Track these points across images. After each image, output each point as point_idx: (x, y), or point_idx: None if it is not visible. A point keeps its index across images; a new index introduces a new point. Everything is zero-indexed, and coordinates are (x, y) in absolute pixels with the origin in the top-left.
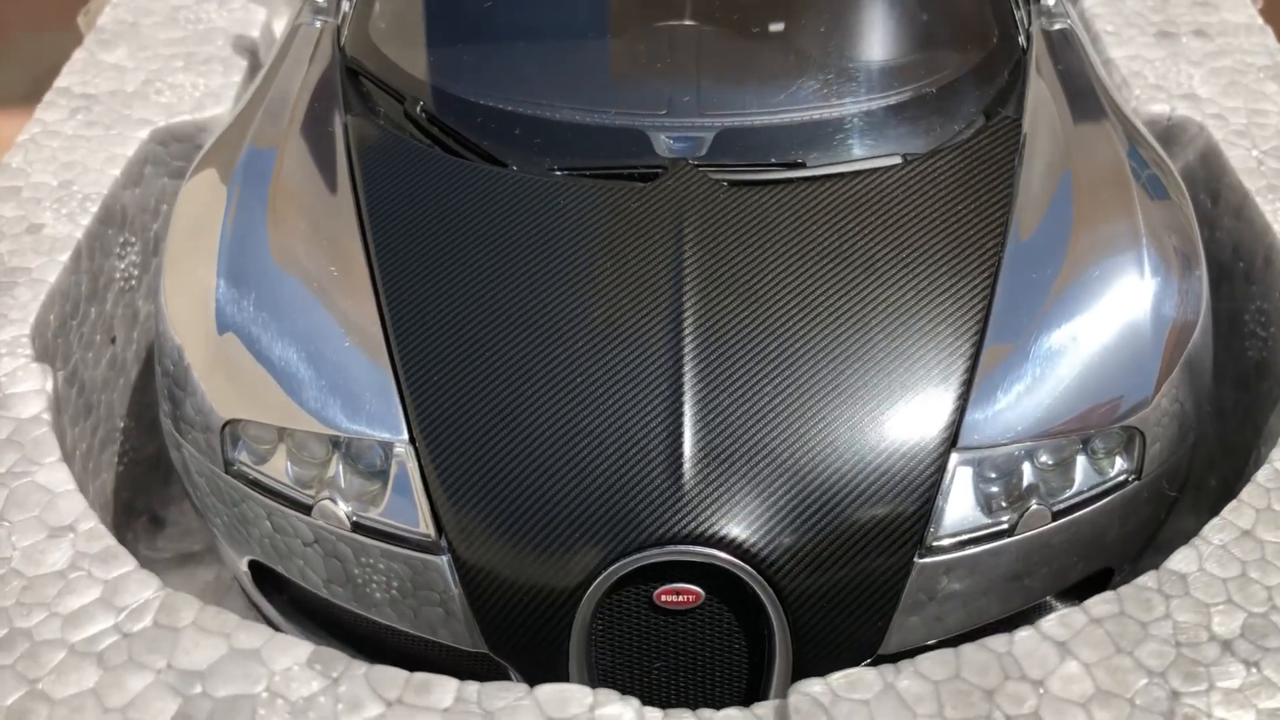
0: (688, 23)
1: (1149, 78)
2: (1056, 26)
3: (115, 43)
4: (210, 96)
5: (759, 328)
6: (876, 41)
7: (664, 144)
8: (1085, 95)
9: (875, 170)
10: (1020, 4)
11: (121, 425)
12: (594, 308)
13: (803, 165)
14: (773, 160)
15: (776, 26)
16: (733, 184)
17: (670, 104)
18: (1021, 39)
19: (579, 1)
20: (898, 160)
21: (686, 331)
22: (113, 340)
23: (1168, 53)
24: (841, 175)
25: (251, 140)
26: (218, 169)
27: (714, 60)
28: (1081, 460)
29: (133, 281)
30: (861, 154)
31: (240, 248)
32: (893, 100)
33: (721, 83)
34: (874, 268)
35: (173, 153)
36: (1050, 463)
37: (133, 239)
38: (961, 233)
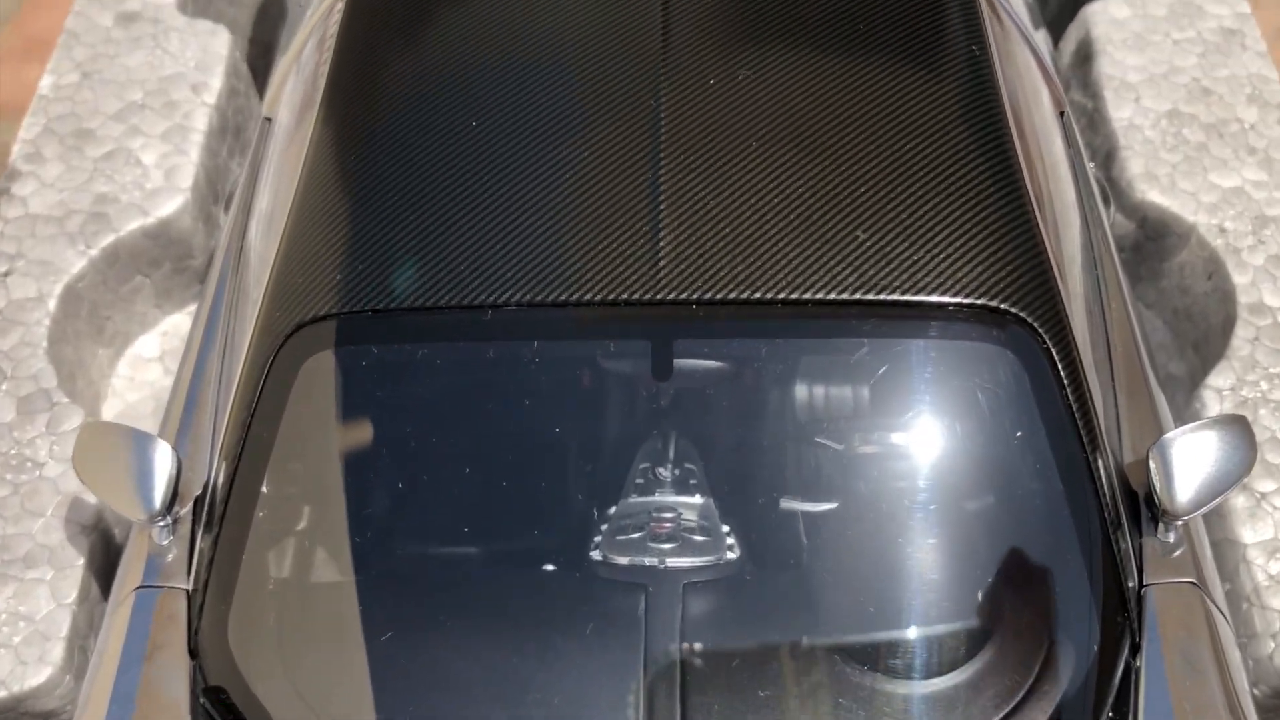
0: (669, 646)
1: None
2: (1175, 551)
3: None
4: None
5: None
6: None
7: None
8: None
9: None
10: (1126, 519)
11: None
12: None
13: None
14: None
15: (789, 634)
16: None
17: None
18: (1131, 597)
19: (520, 607)
20: None
21: None
22: None
23: None
24: None
25: None
26: None
27: (700, 674)
28: None
29: None
30: None
31: None
32: None
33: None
34: None
35: None
36: None
37: None
38: None
